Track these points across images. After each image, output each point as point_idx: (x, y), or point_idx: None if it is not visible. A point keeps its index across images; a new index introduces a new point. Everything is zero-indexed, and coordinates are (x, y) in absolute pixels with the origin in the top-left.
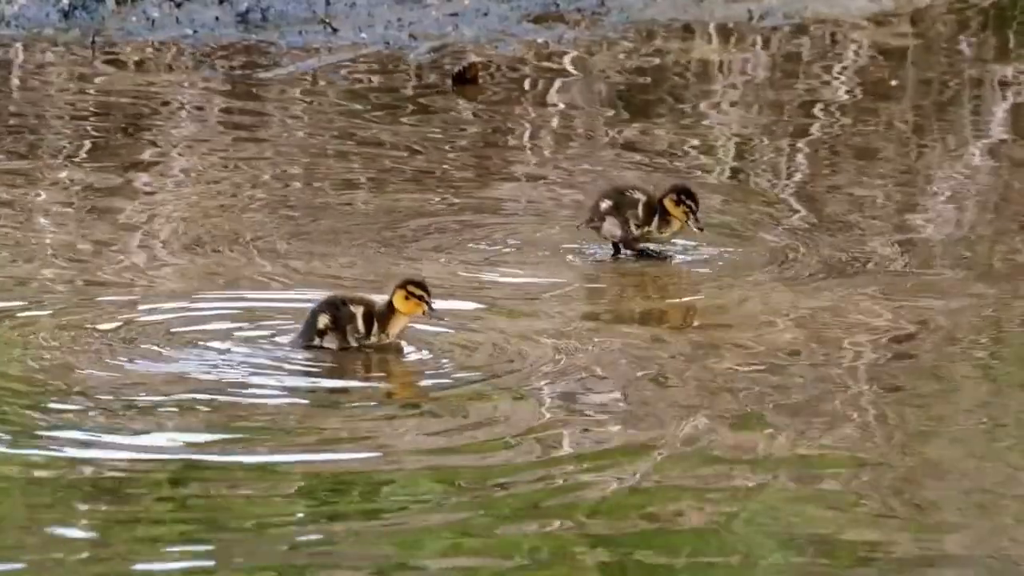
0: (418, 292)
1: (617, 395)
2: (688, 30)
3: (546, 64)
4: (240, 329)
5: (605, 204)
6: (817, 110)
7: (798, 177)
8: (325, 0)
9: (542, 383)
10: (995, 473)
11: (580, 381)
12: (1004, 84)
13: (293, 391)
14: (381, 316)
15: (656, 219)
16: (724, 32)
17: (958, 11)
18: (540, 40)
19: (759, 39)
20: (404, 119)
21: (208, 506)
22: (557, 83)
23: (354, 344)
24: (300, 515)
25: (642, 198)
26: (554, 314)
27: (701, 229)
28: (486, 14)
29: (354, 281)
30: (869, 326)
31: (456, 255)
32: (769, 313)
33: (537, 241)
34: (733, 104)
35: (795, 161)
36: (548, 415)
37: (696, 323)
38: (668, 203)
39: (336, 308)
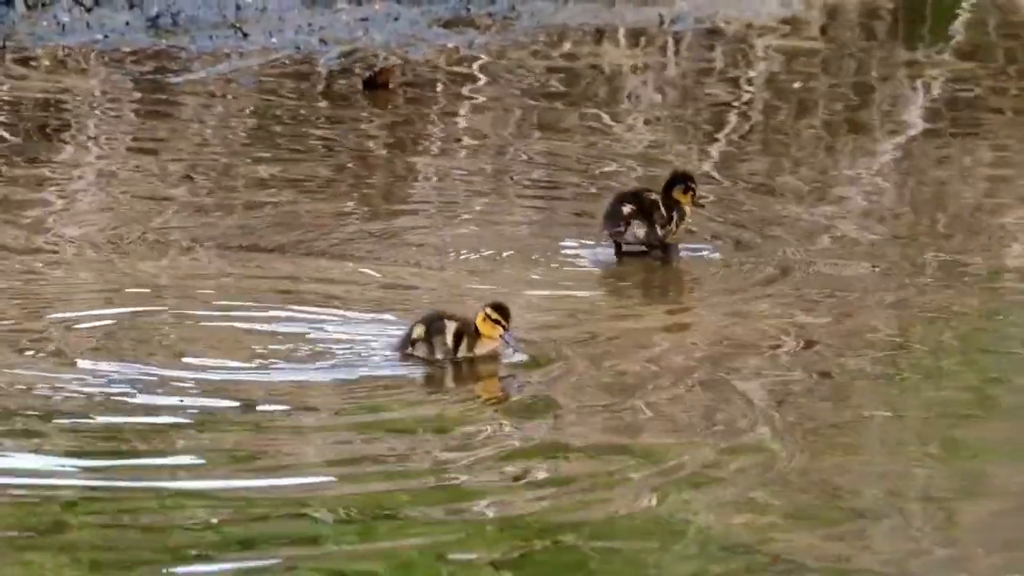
0: (495, 316)
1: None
2: (599, 34)
3: (457, 69)
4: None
5: (627, 208)
6: (728, 114)
7: (711, 184)
8: (235, 5)
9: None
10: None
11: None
12: (914, 86)
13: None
14: (471, 335)
15: (675, 216)
16: (635, 36)
17: (868, 14)
18: (451, 45)
19: (670, 43)
20: (315, 124)
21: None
22: (468, 87)
23: (440, 357)
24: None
25: (659, 199)
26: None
27: (702, 206)
28: (397, 19)
29: (261, 286)
30: (782, 329)
31: (366, 259)
32: (671, 324)
33: (447, 245)
34: (644, 108)
35: (706, 164)
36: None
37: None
38: (678, 194)
39: (431, 321)
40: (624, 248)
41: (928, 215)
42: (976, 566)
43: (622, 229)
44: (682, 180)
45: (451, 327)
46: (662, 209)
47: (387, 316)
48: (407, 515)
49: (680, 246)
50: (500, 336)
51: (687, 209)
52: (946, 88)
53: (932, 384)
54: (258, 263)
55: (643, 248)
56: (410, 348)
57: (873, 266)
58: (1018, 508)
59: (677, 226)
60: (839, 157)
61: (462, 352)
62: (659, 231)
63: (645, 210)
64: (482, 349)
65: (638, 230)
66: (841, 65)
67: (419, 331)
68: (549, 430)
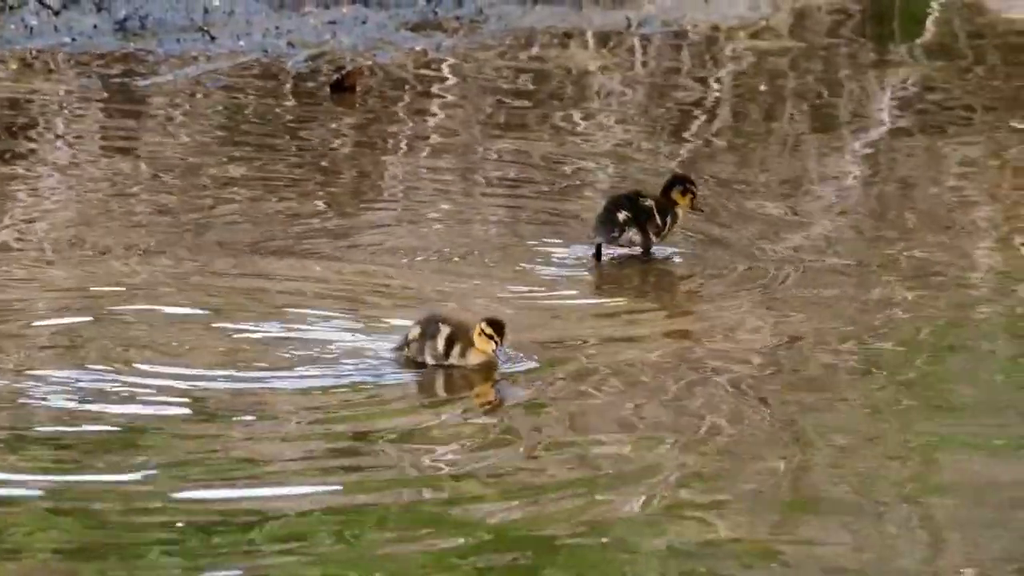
0: (488, 331)
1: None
2: (567, 37)
3: (424, 72)
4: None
5: (623, 215)
6: (696, 116)
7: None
8: (203, 8)
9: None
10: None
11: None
12: (882, 85)
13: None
14: (465, 342)
15: (668, 220)
16: (602, 39)
17: (836, 16)
18: (418, 48)
19: (637, 46)
20: (282, 127)
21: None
22: (435, 90)
23: (430, 361)
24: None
25: (652, 204)
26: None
27: (702, 210)
28: (364, 22)
29: (227, 288)
30: (752, 329)
31: (333, 260)
32: (648, 321)
33: (414, 247)
34: (611, 111)
35: (675, 167)
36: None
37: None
38: (676, 195)
39: (428, 323)
40: (604, 253)
41: (897, 213)
42: (940, 560)
43: (617, 235)
44: (681, 182)
45: (444, 331)
46: (656, 216)
47: (355, 317)
48: (372, 525)
49: (663, 248)
50: (493, 351)
51: (680, 212)
52: (914, 87)
53: (901, 380)
54: (225, 265)
55: (634, 252)
56: (405, 349)
57: (843, 264)
58: (979, 501)
59: (669, 229)
60: (808, 156)
61: (453, 358)
62: (654, 237)
63: (640, 217)
64: (474, 360)
65: (634, 236)
66: (809, 66)
67: (415, 332)
68: (531, 435)
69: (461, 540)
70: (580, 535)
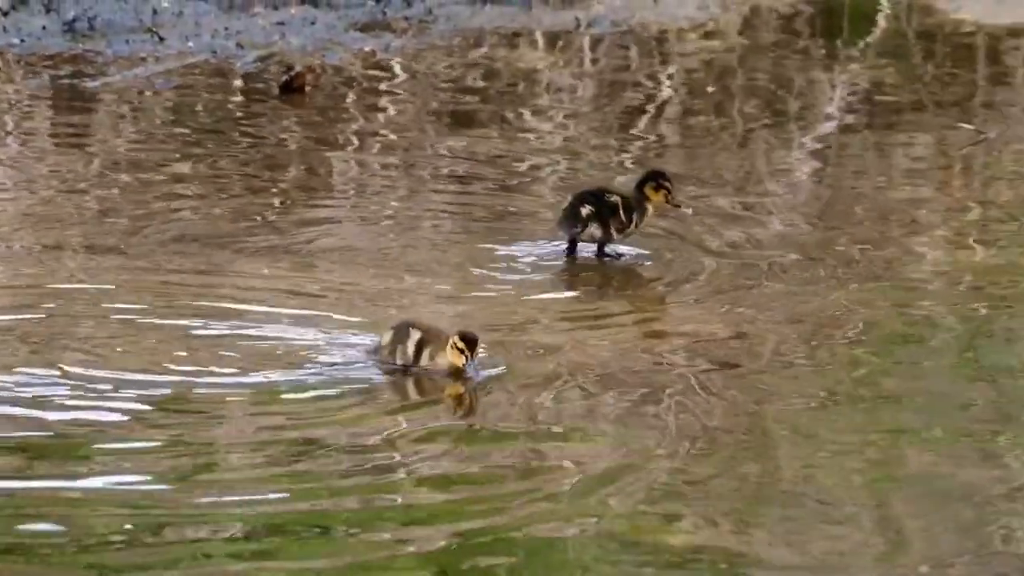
0: (459, 345)
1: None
2: (516, 37)
3: (373, 72)
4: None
5: (586, 210)
6: (645, 116)
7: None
8: (152, 9)
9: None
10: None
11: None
12: (832, 84)
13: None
14: (437, 348)
15: (634, 217)
16: (552, 39)
17: (786, 17)
18: (367, 49)
19: (587, 46)
20: (231, 127)
21: None
22: (385, 90)
23: (399, 365)
24: None
25: (619, 200)
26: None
27: (678, 206)
28: (313, 23)
29: (177, 288)
30: (702, 324)
31: (281, 263)
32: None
33: (364, 246)
34: (561, 111)
35: (625, 167)
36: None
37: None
38: (648, 191)
39: (399, 329)
40: (578, 248)
41: (846, 209)
42: (895, 553)
43: (579, 230)
44: (654, 178)
45: (415, 336)
46: (621, 213)
47: (306, 317)
48: (321, 530)
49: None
50: (463, 366)
51: (650, 208)
52: (863, 86)
53: (849, 374)
54: (174, 264)
55: (598, 248)
56: (377, 353)
57: (794, 259)
58: (929, 493)
59: (636, 225)
60: (757, 153)
61: (423, 362)
62: (615, 234)
63: (603, 213)
64: (443, 363)
65: (595, 231)
66: (758, 65)
67: (387, 337)
68: (492, 439)
69: (412, 548)
70: (536, 536)
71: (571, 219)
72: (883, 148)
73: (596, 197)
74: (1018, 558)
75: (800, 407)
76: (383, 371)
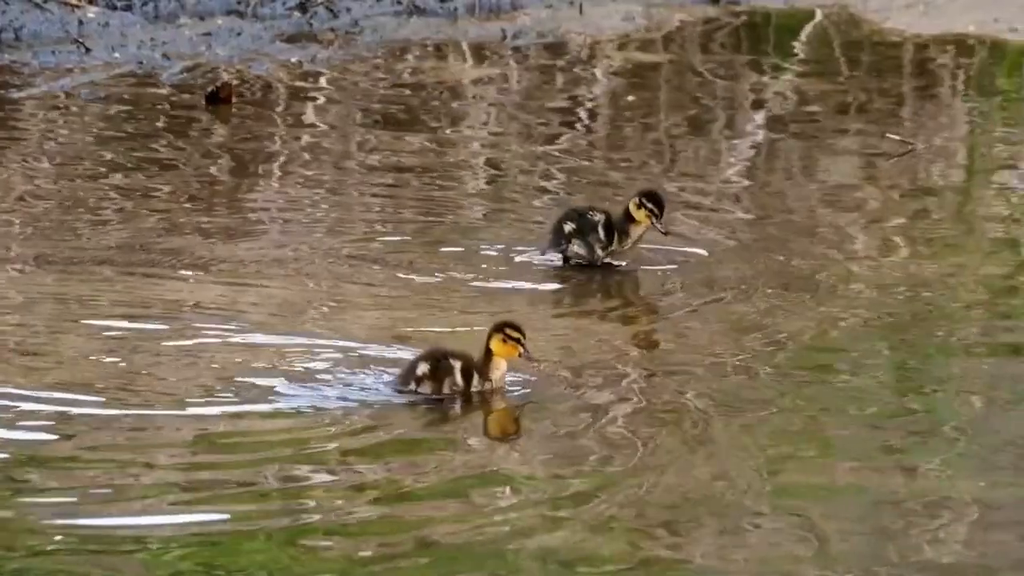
0: (515, 335)
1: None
2: (442, 49)
3: (300, 84)
4: None
5: (569, 227)
6: (571, 127)
7: (554, 193)
8: (78, 20)
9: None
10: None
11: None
12: (757, 100)
13: None
14: (480, 366)
15: (616, 235)
16: (478, 51)
17: (712, 29)
18: (294, 60)
19: (512, 58)
20: (157, 138)
21: None
22: (310, 103)
23: (448, 391)
24: None
25: (601, 218)
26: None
27: (666, 233)
28: (239, 34)
29: (103, 302)
30: (631, 338)
31: (206, 274)
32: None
33: (293, 257)
34: (486, 123)
35: (549, 179)
36: None
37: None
38: (632, 206)
39: (437, 360)
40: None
41: (773, 220)
42: (820, 561)
43: (564, 247)
44: (641, 195)
45: (458, 364)
46: (601, 231)
47: (235, 331)
48: (250, 552)
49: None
50: (520, 354)
51: (633, 229)
52: (790, 98)
53: (776, 384)
54: (98, 277)
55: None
56: (413, 385)
57: (722, 274)
58: (853, 503)
59: (621, 244)
60: (683, 166)
61: (476, 386)
62: (599, 252)
63: (585, 231)
64: (497, 374)
65: (578, 249)
66: (684, 77)
67: (424, 369)
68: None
69: (341, 566)
70: (466, 544)
71: (555, 236)
72: (810, 159)
73: (580, 215)
74: (938, 567)
75: (727, 417)
76: (424, 402)
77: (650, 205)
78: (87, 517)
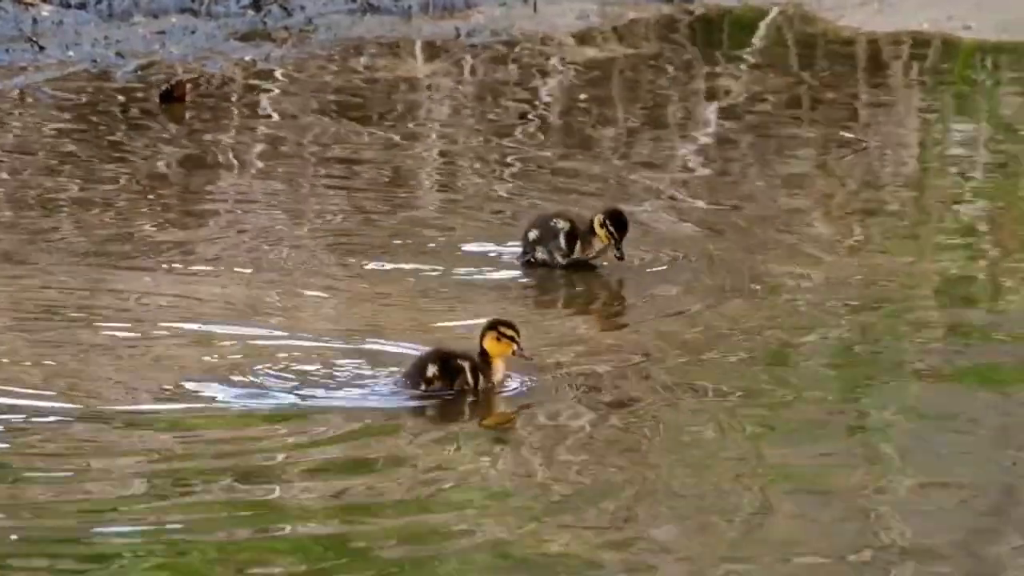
0: (509, 332)
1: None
2: (396, 47)
3: (254, 82)
4: None
5: (533, 234)
6: (525, 125)
7: (505, 192)
8: (32, 18)
9: None
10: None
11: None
12: (711, 96)
13: None
14: (483, 368)
15: (578, 244)
16: (432, 49)
17: (666, 27)
18: (248, 58)
19: (467, 56)
20: (111, 137)
21: None
22: (265, 101)
23: (456, 391)
24: None
25: (565, 227)
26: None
27: (621, 258)
28: (193, 32)
29: (56, 303)
30: (584, 340)
31: (161, 272)
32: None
33: (248, 257)
34: (441, 118)
35: (504, 177)
36: None
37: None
38: (596, 222)
39: (444, 360)
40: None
41: (726, 217)
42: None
43: (528, 252)
44: (604, 215)
45: (466, 364)
46: (562, 239)
47: (192, 333)
48: (205, 562)
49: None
50: (513, 352)
51: (595, 242)
52: (743, 96)
53: (731, 380)
54: (53, 278)
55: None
56: (423, 385)
57: (675, 274)
58: (808, 495)
59: (584, 252)
60: (636, 164)
61: (481, 384)
62: (559, 259)
63: (547, 238)
64: (498, 374)
65: (540, 255)
66: (637, 75)
67: (433, 370)
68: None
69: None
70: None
71: (522, 242)
72: (763, 156)
73: (544, 221)
74: (884, 552)
75: (683, 413)
76: (432, 398)
77: (611, 228)
78: (35, 519)
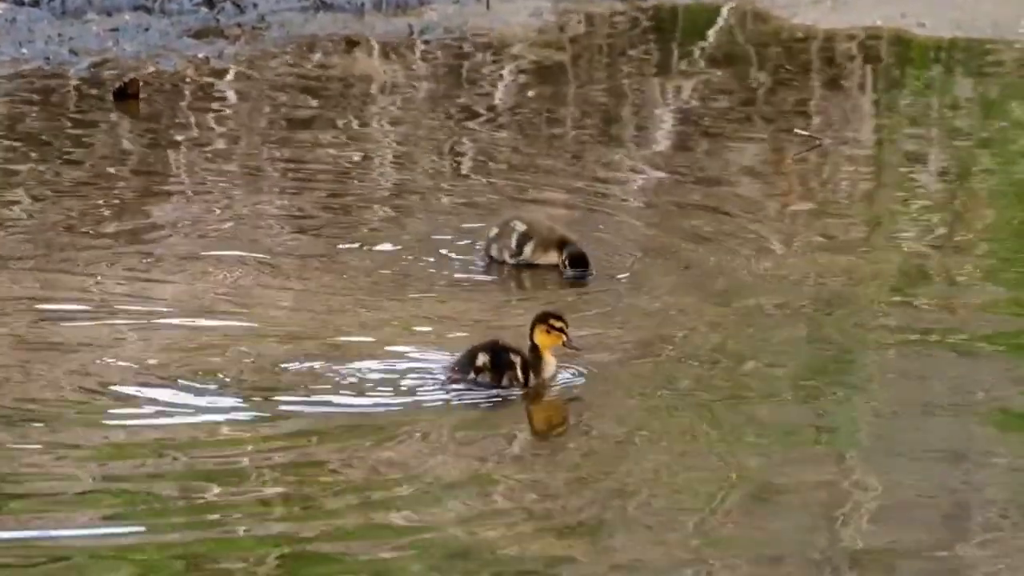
0: (558, 324)
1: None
2: (349, 44)
3: (207, 79)
4: None
5: (492, 232)
6: (478, 123)
7: (461, 190)
8: None
9: None
10: None
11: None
12: (665, 92)
13: None
14: (533, 363)
15: (529, 247)
16: (385, 47)
17: (620, 25)
18: (201, 55)
19: (420, 53)
20: (66, 134)
21: None
22: (219, 97)
23: (506, 384)
24: None
25: (521, 228)
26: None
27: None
28: (147, 29)
29: (10, 300)
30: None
31: (113, 269)
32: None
33: (204, 254)
34: (394, 116)
35: (458, 174)
36: None
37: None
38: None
39: (496, 352)
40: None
41: (682, 215)
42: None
43: (485, 249)
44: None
45: (517, 359)
46: (513, 240)
47: (148, 330)
48: (170, 564)
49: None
50: (563, 343)
51: (549, 254)
52: (697, 94)
53: (687, 379)
54: (5, 276)
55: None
56: (473, 375)
57: (631, 274)
58: (766, 494)
59: (533, 256)
60: (591, 164)
61: (532, 380)
62: (508, 258)
63: (502, 236)
64: (548, 372)
65: (494, 253)
66: (592, 73)
67: (484, 360)
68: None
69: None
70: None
71: (485, 242)
72: (718, 154)
73: (504, 222)
74: (846, 551)
75: (641, 411)
76: (479, 391)
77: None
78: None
